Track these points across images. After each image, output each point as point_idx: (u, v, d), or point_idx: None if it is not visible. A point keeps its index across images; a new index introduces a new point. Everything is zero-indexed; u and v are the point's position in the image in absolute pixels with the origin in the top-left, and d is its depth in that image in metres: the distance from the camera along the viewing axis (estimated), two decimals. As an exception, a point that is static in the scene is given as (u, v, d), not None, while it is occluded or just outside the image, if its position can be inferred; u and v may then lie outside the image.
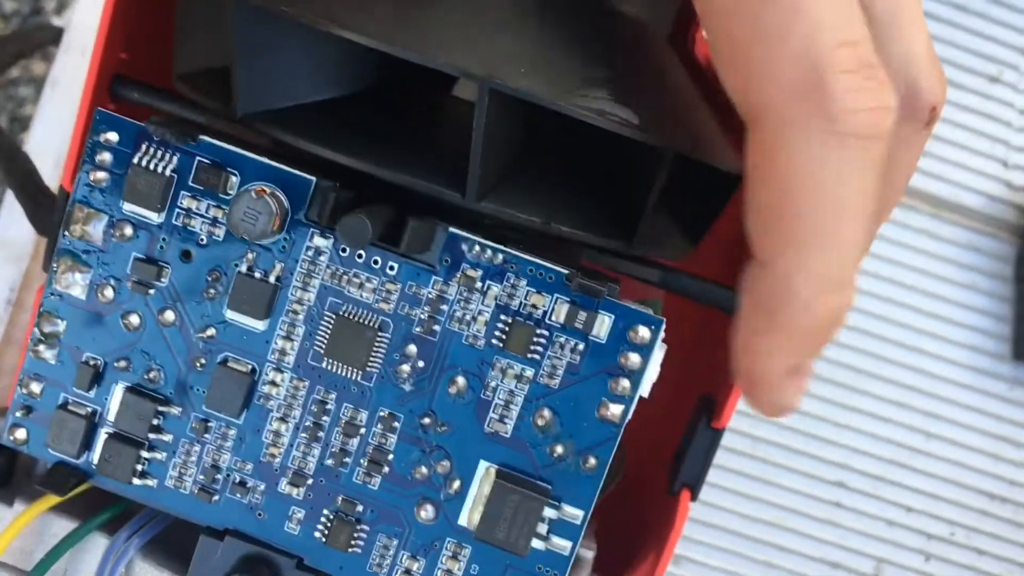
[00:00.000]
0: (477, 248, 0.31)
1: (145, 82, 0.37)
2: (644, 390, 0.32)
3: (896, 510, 0.57)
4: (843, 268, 0.28)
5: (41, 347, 0.33)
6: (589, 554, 0.39)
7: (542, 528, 0.32)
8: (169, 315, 0.32)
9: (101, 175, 0.32)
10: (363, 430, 0.32)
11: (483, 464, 0.32)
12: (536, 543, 0.32)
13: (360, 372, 0.32)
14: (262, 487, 0.33)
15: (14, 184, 0.42)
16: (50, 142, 0.54)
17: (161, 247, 0.32)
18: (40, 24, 0.60)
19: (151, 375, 0.32)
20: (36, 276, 0.55)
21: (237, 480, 0.33)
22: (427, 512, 0.32)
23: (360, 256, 0.31)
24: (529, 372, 0.31)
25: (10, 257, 0.55)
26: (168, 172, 0.31)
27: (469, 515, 0.32)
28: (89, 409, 0.33)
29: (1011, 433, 0.57)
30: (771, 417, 0.31)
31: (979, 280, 0.57)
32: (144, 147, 0.31)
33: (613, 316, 0.31)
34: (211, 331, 0.32)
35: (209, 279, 0.32)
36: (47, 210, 0.41)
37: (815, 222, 0.28)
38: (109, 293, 0.32)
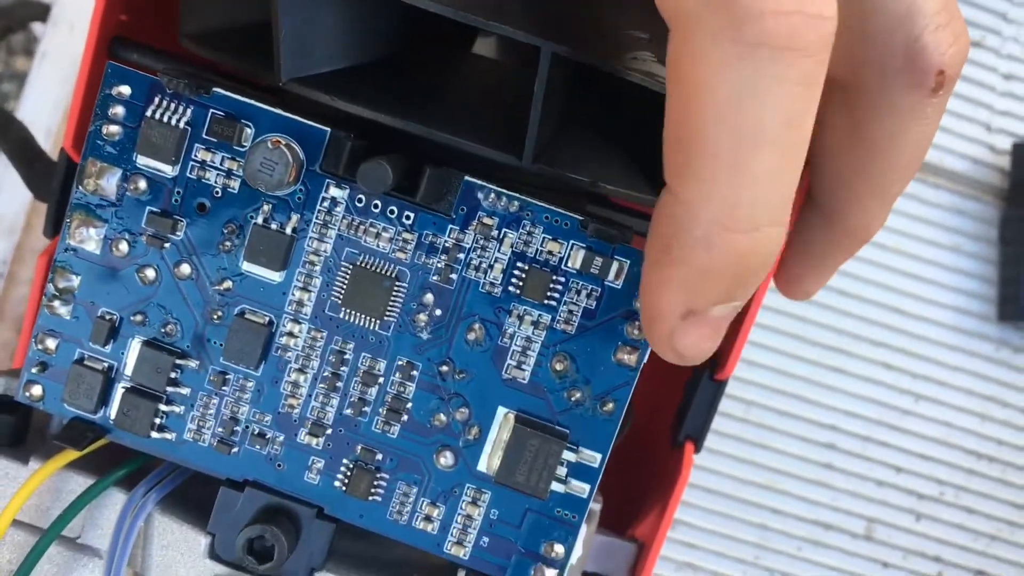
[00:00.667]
0: (493, 196, 0.31)
1: (146, 43, 0.37)
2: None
3: (886, 470, 0.58)
4: (755, 206, 0.25)
5: (56, 303, 0.33)
6: (596, 507, 0.40)
7: (561, 471, 0.32)
8: (185, 268, 0.32)
9: (114, 128, 0.32)
10: (381, 379, 0.32)
11: (501, 410, 0.32)
12: (555, 486, 0.32)
13: (378, 322, 0.32)
14: (281, 438, 0.33)
15: (10, 151, 0.42)
16: (40, 113, 0.54)
17: (176, 200, 0.32)
18: (27, 1, 0.60)
19: (168, 329, 0.33)
20: (28, 249, 0.55)
21: (256, 432, 0.33)
22: (446, 459, 0.32)
23: (376, 206, 0.32)
24: (546, 318, 0.32)
25: (2, 231, 0.55)
26: (182, 124, 0.31)
27: (488, 460, 0.32)
28: (106, 364, 0.33)
29: (998, 393, 0.58)
30: (673, 362, 0.29)
31: (964, 243, 0.58)
32: (157, 100, 0.31)
33: (629, 261, 0.31)
34: (228, 283, 0.32)
35: (225, 231, 0.32)
36: (46, 175, 0.41)
37: (719, 148, 0.24)
38: (124, 247, 0.32)
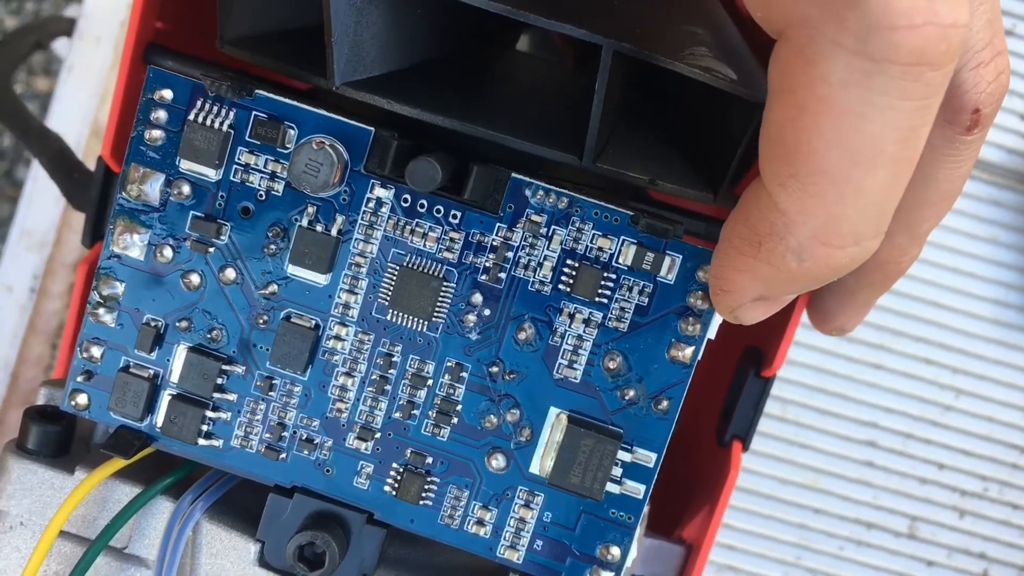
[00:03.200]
0: (541, 193, 0.31)
1: (180, 50, 0.36)
2: (712, 332, 0.32)
3: (928, 467, 0.57)
4: (858, 222, 0.24)
5: (100, 310, 0.32)
6: (644, 509, 0.39)
7: (616, 472, 0.32)
8: (230, 273, 0.32)
9: (156, 133, 0.31)
10: (430, 381, 0.32)
11: (553, 411, 0.32)
12: (610, 487, 0.32)
13: (426, 323, 0.32)
14: (329, 443, 0.32)
15: (48, 163, 0.42)
16: (69, 127, 0.54)
17: (219, 204, 0.32)
18: (54, 16, 0.60)
19: (213, 334, 0.32)
20: (60, 263, 0.55)
21: (304, 437, 0.32)
22: (498, 461, 0.32)
23: (422, 206, 0.31)
24: (597, 316, 0.31)
25: (33, 245, 0.54)
26: (225, 127, 0.31)
27: (541, 462, 0.32)
28: (152, 371, 0.32)
29: (1040, 385, 0.57)
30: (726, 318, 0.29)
31: (1001, 234, 0.57)
32: (199, 103, 0.31)
33: (681, 256, 0.31)
34: (273, 287, 0.32)
35: (269, 235, 0.32)
36: (83, 186, 0.41)
37: (830, 165, 0.23)
38: (168, 253, 0.32)
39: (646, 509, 0.39)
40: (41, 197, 0.54)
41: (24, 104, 0.45)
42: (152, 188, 0.32)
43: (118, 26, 0.37)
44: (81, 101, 0.55)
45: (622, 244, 0.31)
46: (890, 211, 0.25)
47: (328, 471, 0.32)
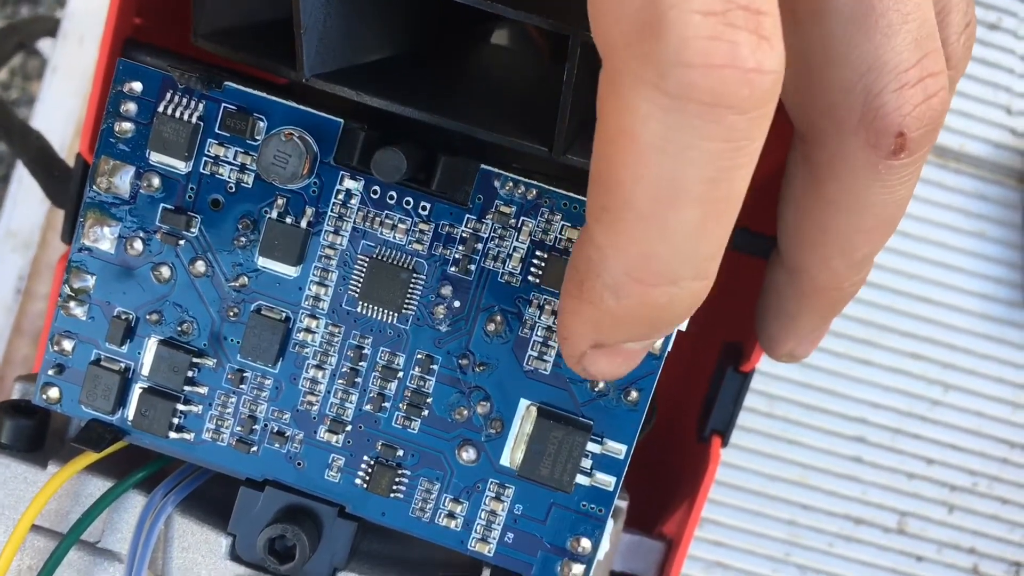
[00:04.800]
0: (510, 184, 0.31)
1: (159, 45, 0.36)
2: (682, 323, 0.31)
3: (917, 462, 0.57)
4: (672, 261, 0.23)
5: (71, 303, 0.32)
6: (623, 504, 0.39)
7: (586, 464, 0.32)
8: (200, 266, 0.32)
9: (126, 126, 0.31)
10: (401, 373, 0.32)
11: (523, 402, 0.32)
12: (580, 479, 0.32)
13: (396, 315, 0.32)
14: (300, 436, 0.32)
15: (28, 161, 0.42)
16: (53, 127, 0.54)
17: (190, 197, 0.32)
18: (38, 16, 0.60)
19: (184, 327, 0.32)
20: (45, 264, 0.55)
21: (275, 430, 0.32)
22: (468, 454, 0.32)
23: (392, 197, 0.31)
24: (567, 307, 0.31)
25: (18, 246, 0.54)
26: (194, 119, 0.31)
27: (511, 454, 0.32)
28: (123, 364, 0.32)
29: (1028, 380, 0.57)
30: (582, 376, 0.29)
31: (988, 228, 0.57)
32: (169, 95, 0.31)
33: (649, 246, 0.31)
34: (243, 280, 0.32)
35: (239, 227, 0.32)
36: (64, 183, 0.41)
37: (636, 199, 0.23)
38: (138, 245, 0.32)
39: (626, 504, 0.39)
40: (26, 198, 0.54)
41: (4, 102, 0.45)
42: (122, 181, 0.32)
43: (102, 26, 0.37)
44: (65, 101, 0.55)
45: (591, 235, 0.31)
46: (710, 253, 0.24)
47: (299, 464, 0.32)
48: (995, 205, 0.57)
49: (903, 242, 0.56)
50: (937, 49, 0.27)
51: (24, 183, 0.55)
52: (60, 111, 0.54)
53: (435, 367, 0.32)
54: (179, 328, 0.32)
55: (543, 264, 0.31)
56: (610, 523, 0.33)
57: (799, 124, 0.29)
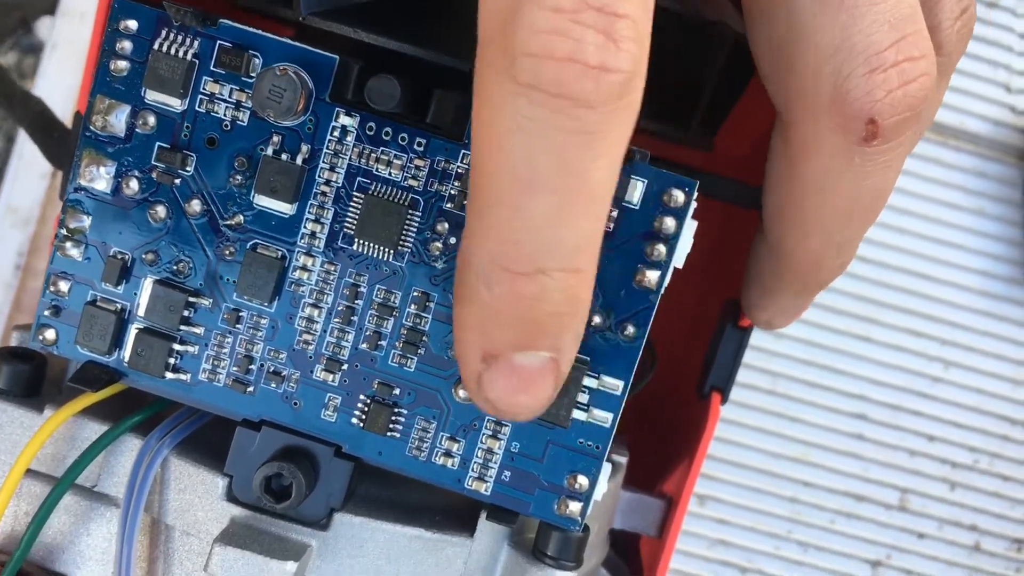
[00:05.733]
0: (505, 118, 0.31)
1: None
2: (679, 260, 0.31)
3: (918, 439, 0.56)
4: (536, 249, 0.24)
5: (67, 244, 0.32)
6: (623, 461, 0.39)
7: (583, 399, 0.31)
8: (196, 204, 0.32)
9: (122, 64, 0.31)
10: (397, 311, 0.32)
11: (520, 338, 0.32)
12: (577, 414, 0.31)
13: (392, 252, 0.31)
14: (297, 375, 0.32)
15: (28, 125, 0.42)
16: (52, 103, 0.54)
17: (185, 135, 0.32)
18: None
19: (179, 267, 0.32)
20: (45, 240, 0.55)
21: (271, 369, 0.32)
22: (465, 391, 0.32)
23: (387, 133, 0.31)
24: (562, 242, 0.31)
25: (18, 222, 0.54)
26: (190, 56, 0.31)
27: (508, 391, 0.32)
28: (118, 305, 0.32)
29: (1029, 356, 0.57)
30: (493, 415, 0.28)
31: (987, 205, 0.57)
32: (164, 33, 0.31)
33: (646, 180, 0.31)
34: (239, 218, 0.32)
35: (235, 165, 0.32)
36: (63, 144, 0.41)
37: (496, 185, 0.24)
38: (134, 185, 0.32)
39: (625, 460, 0.39)
40: (26, 174, 0.54)
41: (5, 69, 0.45)
42: (118, 119, 0.32)
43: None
44: (65, 78, 0.55)
45: (586, 169, 0.31)
46: (575, 244, 0.24)
47: (296, 404, 0.32)
48: (994, 182, 0.57)
49: (902, 219, 0.56)
50: (918, 31, 0.26)
51: (24, 159, 0.55)
52: (60, 88, 0.55)
53: (431, 304, 0.32)
54: (175, 268, 0.32)
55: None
56: (607, 466, 0.32)
57: (777, 105, 0.29)
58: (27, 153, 0.55)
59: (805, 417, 0.56)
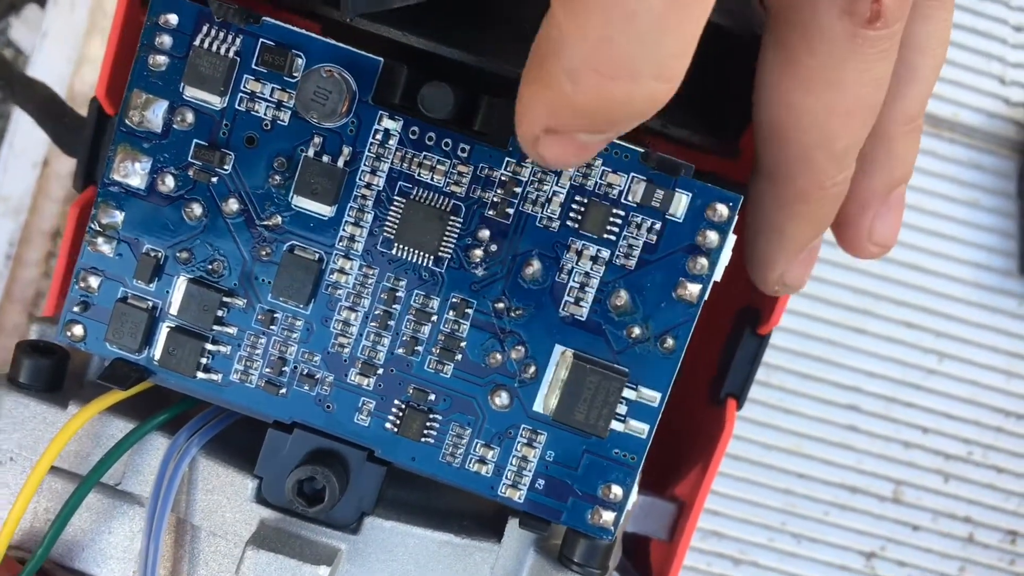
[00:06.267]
0: (551, 127, 0.30)
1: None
2: (718, 273, 0.31)
3: (912, 431, 0.57)
4: (630, 52, 0.23)
5: (99, 240, 0.32)
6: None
7: (620, 410, 0.31)
8: (233, 204, 0.31)
9: (160, 59, 0.31)
10: (435, 317, 0.32)
11: (559, 348, 0.31)
12: (614, 425, 0.31)
13: (431, 258, 0.31)
14: (331, 378, 0.32)
15: (35, 110, 0.41)
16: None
17: (224, 133, 0.31)
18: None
19: (214, 266, 0.32)
20: (36, 231, 0.54)
21: (305, 372, 0.32)
22: (501, 399, 0.32)
23: (431, 138, 0.31)
24: (605, 253, 0.31)
25: (8, 211, 0.53)
26: (231, 54, 0.30)
27: (545, 400, 0.32)
28: (150, 303, 0.32)
29: (1023, 349, 0.57)
30: (534, 160, 0.28)
31: (982, 197, 0.57)
32: (205, 29, 0.30)
33: (691, 194, 0.31)
34: (277, 219, 0.31)
35: (275, 165, 0.31)
36: (74, 131, 0.40)
37: None
38: (170, 182, 0.31)
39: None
40: (17, 163, 0.53)
41: (4, 55, 0.44)
42: (155, 115, 0.31)
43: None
44: (56, 67, 0.54)
45: (632, 181, 0.31)
46: (674, 51, 0.23)
47: (329, 407, 0.32)
48: (989, 174, 0.57)
49: (901, 212, 0.56)
50: None
51: (15, 147, 0.54)
52: (51, 77, 0.53)
53: (470, 311, 0.31)
54: (209, 267, 0.32)
55: (582, 209, 0.31)
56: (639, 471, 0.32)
57: (774, 1, 0.28)
58: (17, 143, 0.54)
59: (799, 409, 0.57)
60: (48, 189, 0.55)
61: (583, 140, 0.26)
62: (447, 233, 0.31)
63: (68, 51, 0.55)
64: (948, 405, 0.57)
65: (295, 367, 0.32)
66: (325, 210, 0.31)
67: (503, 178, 0.31)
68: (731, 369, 0.40)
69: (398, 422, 0.32)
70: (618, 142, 0.31)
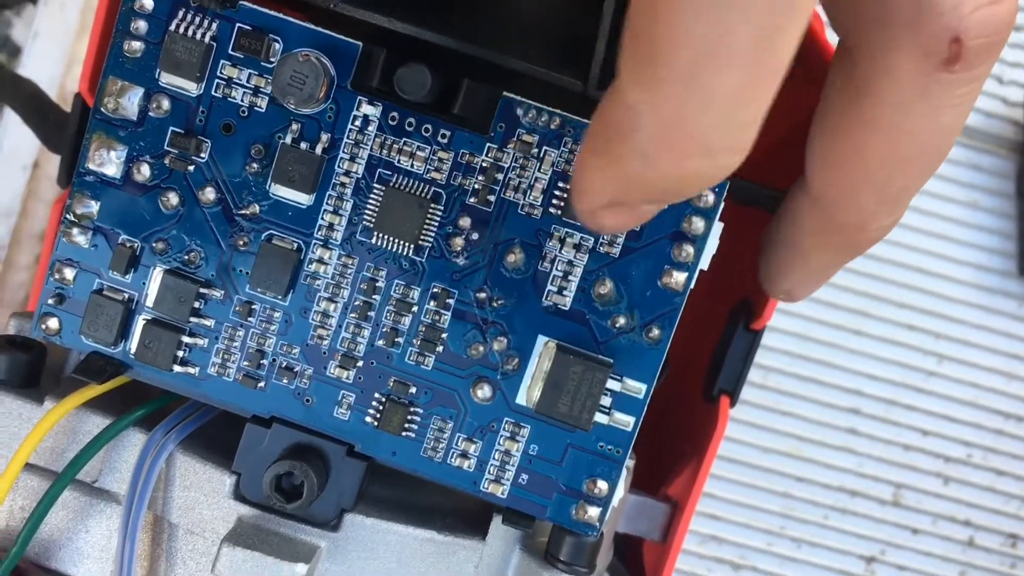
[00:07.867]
0: (533, 112, 0.30)
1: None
2: (704, 262, 0.31)
3: (912, 434, 0.56)
4: (705, 128, 0.22)
5: (74, 230, 0.31)
6: (630, 463, 0.38)
7: (605, 402, 0.31)
8: (210, 192, 0.31)
9: (136, 45, 0.30)
10: (415, 308, 0.31)
11: (542, 339, 0.31)
12: (598, 417, 0.31)
13: (411, 246, 0.31)
14: (310, 371, 0.31)
15: (21, 108, 0.41)
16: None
17: (200, 120, 0.30)
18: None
19: (191, 256, 0.31)
20: (26, 234, 0.53)
21: (283, 365, 0.31)
22: (483, 391, 0.31)
23: (411, 124, 0.30)
24: (589, 241, 0.30)
25: (-4, 216, 0.53)
26: (207, 39, 0.30)
27: (528, 392, 0.31)
28: (126, 294, 0.31)
29: (1023, 350, 0.57)
30: (589, 228, 0.27)
31: (981, 198, 0.56)
32: (181, 14, 0.30)
33: (675, 179, 0.30)
34: (254, 208, 0.31)
35: (252, 153, 0.30)
36: (59, 128, 0.40)
37: (677, 57, 0.21)
38: (146, 170, 0.31)
39: (631, 464, 0.38)
40: (6, 167, 0.53)
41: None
42: (130, 102, 0.30)
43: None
44: (47, 68, 0.53)
45: (615, 166, 0.30)
46: (746, 124, 0.22)
47: (308, 401, 0.31)
48: (988, 175, 0.57)
49: (900, 213, 0.56)
50: None
51: (5, 150, 0.54)
52: (42, 78, 0.53)
53: (451, 301, 0.31)
54: (186, 257, 0.31)
55: (565, 195, 0.30)
56: (626, 467, 0.32)
57: (845, 33, 0.27)
58: (7, 146, 0.53)
59: (798, 412, 0.56)
60: (39, 191, 0.55)
61: (646, 209, 0.25)
62: (427, 221, 0.30)
63: (59, 52, 0.55)
64: (948, 408, 0.56)
65: (273, 360, 0.31)
66: (303, 198, 0.30)
67: (484, 164, 0.30)
68: (724, 366, 0.40)
69: (378, 416, 0.31)
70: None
